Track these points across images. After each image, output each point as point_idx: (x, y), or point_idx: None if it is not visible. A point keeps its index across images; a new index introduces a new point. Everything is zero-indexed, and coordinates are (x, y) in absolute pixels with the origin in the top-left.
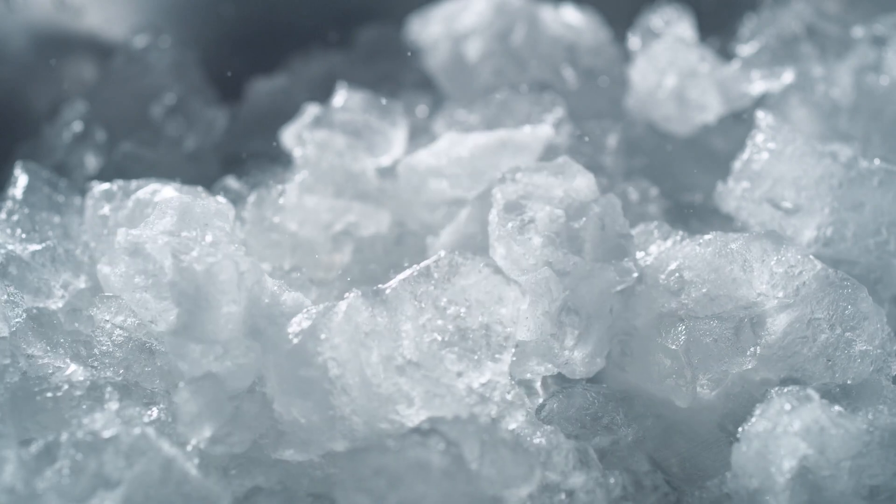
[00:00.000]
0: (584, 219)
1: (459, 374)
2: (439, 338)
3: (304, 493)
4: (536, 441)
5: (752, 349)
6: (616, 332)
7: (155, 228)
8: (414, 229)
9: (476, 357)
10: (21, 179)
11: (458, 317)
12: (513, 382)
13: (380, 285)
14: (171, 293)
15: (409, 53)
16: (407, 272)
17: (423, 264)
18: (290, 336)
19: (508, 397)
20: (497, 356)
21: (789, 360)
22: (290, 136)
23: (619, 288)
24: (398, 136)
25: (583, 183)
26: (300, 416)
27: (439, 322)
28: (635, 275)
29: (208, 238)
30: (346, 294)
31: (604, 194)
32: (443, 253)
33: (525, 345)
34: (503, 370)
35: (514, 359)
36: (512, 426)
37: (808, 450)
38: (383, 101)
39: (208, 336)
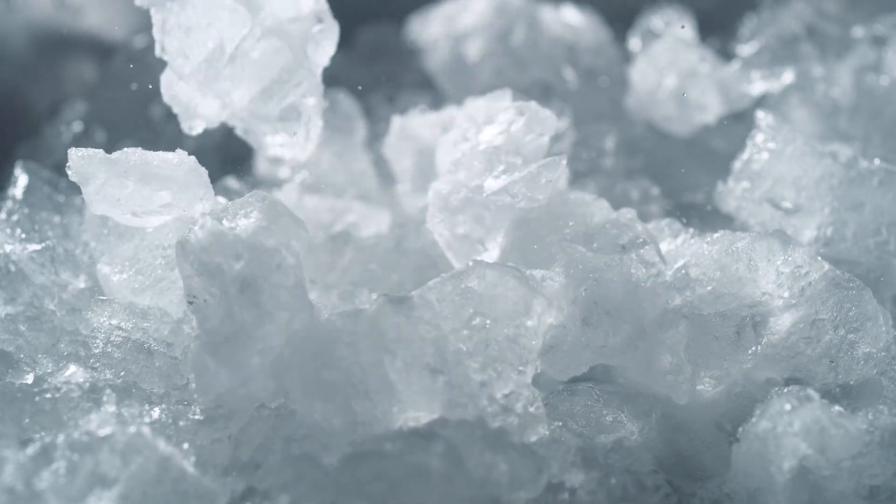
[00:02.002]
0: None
1: (483, 384)
2: (464, 347)
3: (302, 495)
4: (540, 438)
5: (753, 348)
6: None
7: (238, 224)
8: (415, 229)
9: (500, 368)
10: (21, 179)
11: (484, 327)
12: (536, 394)
13: (412, 292)
14: (224, 304)
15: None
16: (435, 280)
17: (451, 273)
18: (315, 337)
19: (531, 409)
20: (521, 368)
21: (792, 361)
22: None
23: (647, 283)
24: (358, 124)
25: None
26: (321, 418)
27: (464, 332)
28: (663, 266)
29: (286, 279)
30: (373, 296)
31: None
32: (471, 263)
33: (558, 344)
34: (526, 382)
35: (544, 367)
36: (533, 438)
37: (808, 450)
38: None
39: (235, 365)
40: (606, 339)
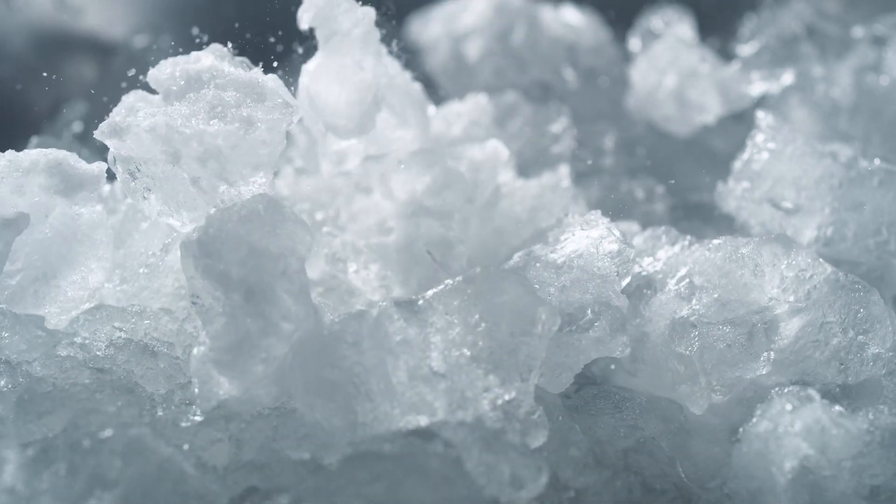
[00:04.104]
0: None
1: (485, 390)
2: (468, 352)
3: (301, 495)
4: (552, 441)
5: (765, 354)
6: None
7: (242, 227)
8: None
9: (503, 374)
10: None
11: (489, 333)
12: (537, 403)
13: (418, 296)
14: (227, 309)
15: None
16: (441, 285)
17: (458, 278)
18: (319, 337)
19: (534, 417)
20: (524, 375)
21: (801, 365)
22: None
23: (630, 268)
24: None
25: None
26: (322, 417)
27: (469, 337)
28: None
29: (291, 285)
30: (380, 303)
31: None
32: (479, 269)
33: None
34: (529, 390)
35: (542, 378)
36: (534, 445)
37: (809, 450)
38: None
39: (238, 373)
40: (596, 335)
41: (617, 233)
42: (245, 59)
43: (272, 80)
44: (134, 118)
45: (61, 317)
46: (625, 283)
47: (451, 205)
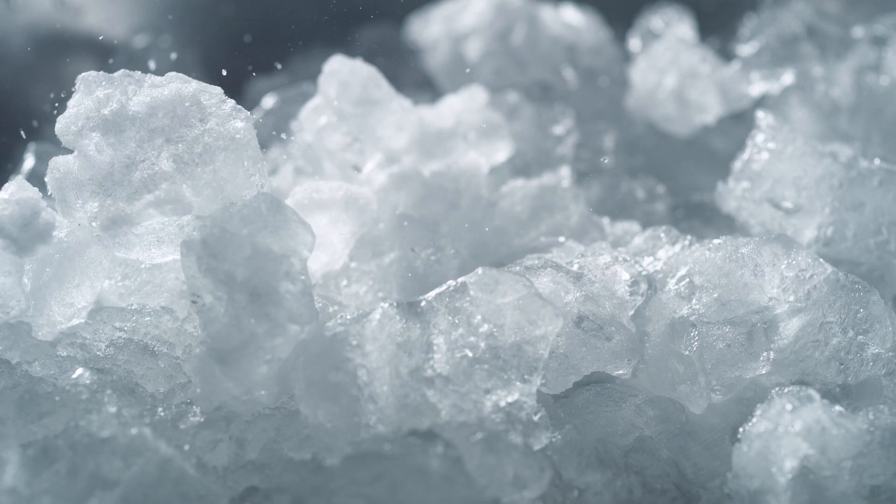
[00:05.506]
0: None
1: (488, 392)
2: (470, 354)
3: (302, 495)
4: (554, 440)
5: (765, 354)
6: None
7: (245, 227)
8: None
9: (506, 376)
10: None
11: (491, 334)
12: (539, 404)
13: (420, 297)
14: (230, 310)
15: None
16: (443, 286)
17: (460, 280)
18: (322, 340)
19: (535, 419)
20: (527, 377)
21: (801, 365)
22: None
23: (639, 301)
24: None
25: None
26: (326, 420)
27: (472, 338)
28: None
29: (293, 286)
30: (382, 304)
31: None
32: (481, 270)
33: (563, 354)
34: (531, 391)
35: (543, 380)
36: (537, 447)
37: (810, 450)
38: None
39: (241, 374)
40: (609, 344)
41: (637, 266)
42: (125, 72)
43: (185, 83)
44: (122, 203)
45: (47, 329)
46: (631, 313)
47: (435, 213)
